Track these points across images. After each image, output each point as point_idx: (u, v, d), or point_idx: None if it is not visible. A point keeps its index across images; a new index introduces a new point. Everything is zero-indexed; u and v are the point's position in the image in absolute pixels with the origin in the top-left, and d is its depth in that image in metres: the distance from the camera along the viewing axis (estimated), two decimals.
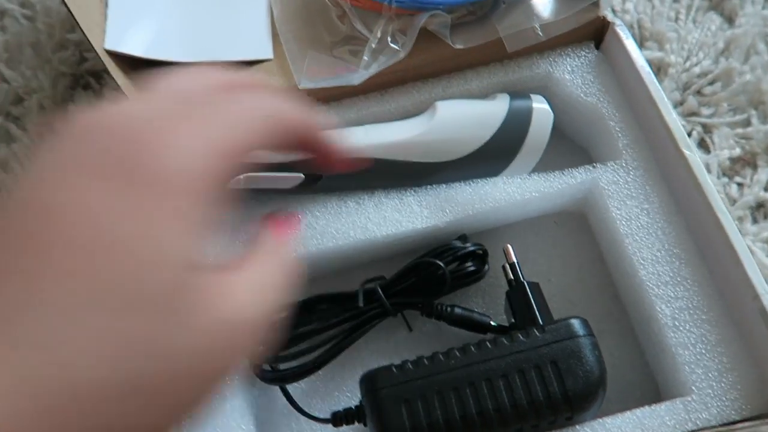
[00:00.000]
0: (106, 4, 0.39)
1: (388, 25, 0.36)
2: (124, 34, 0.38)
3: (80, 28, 0.36)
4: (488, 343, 0.30)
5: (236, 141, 0.19)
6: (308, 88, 0.36)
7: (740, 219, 0.39)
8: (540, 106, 0.36)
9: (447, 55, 0.37)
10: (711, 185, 0.32)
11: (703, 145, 0.42)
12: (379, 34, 0.36)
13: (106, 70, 0.36)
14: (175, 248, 0.17)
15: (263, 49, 0.39)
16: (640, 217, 0.33)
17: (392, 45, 0.36)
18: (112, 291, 0.16)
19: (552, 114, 0.36)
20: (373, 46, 0.36)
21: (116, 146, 0.17)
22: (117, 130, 0.18)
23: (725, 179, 0.40)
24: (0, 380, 0.15)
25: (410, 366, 0.30)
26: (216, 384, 0.18)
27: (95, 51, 0.36)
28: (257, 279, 0.19)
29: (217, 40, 0.40)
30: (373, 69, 0.35)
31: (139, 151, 0.17)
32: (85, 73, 0.50)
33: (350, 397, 0.34)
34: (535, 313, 0.31)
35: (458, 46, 0.36)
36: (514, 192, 0.34)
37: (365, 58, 0.36)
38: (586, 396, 0.28)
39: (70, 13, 0.35)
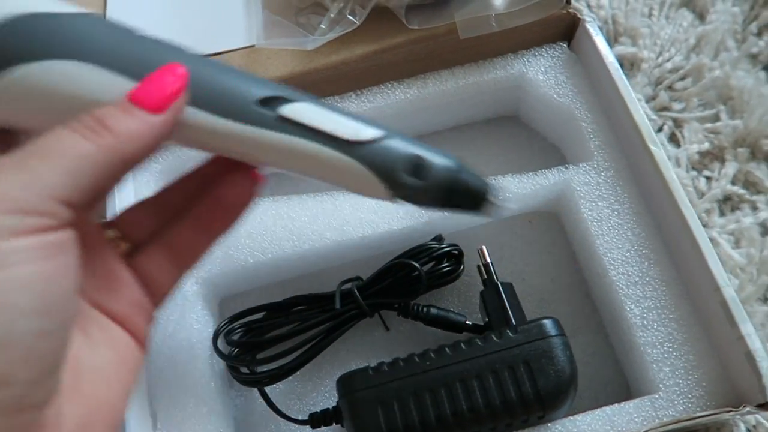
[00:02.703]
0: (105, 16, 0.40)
1: None
2: None
3: None
4: (462, 345, 0.30)
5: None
6: (263, 46, 0.37)
7: (708, 212, 0.40)
8: None
9: (420, 54, 0.37)
10: (676, 180, 0.33)
11: (673, 140, 0.43)
12: (340, 5, 0.36)
13: None
14: None
15: (258, 36, 0.39)
16: (610, 218, 0.33)
17: (349, 17, 0.36)
18: None
19: None
20: (332, 16, 0.37)
21: None
22: None
23: (694, 173, 0.41)
24: None
25: (386, 368, 0.30)
26: None
27: None
28: None
29: (210, 34, 0.40)
30: (328, 37, 0.36)
31: None
32: None
33: (328, 397, 0.35)
34: (508, 313, 0.31)
35: (413, 27, 0.37)
36: None
37: (322, 26, 0.37)
38: (558, 395, 0.29)
39: None
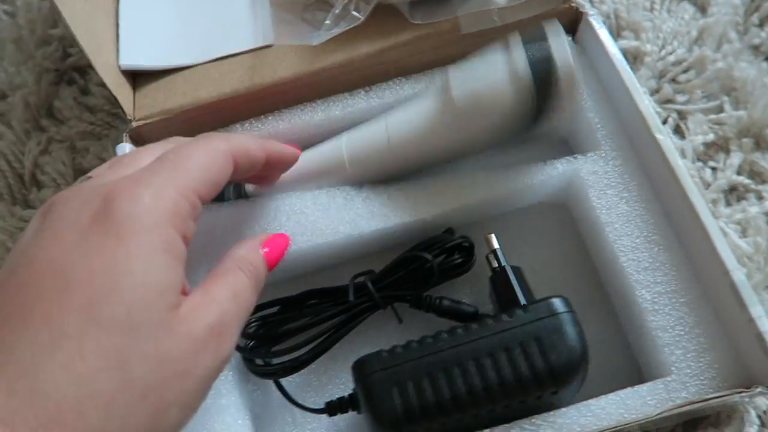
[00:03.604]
0: (117, 24, 0.41)
1: None
2: (136, 49, 0.40)
3: (84, 51, 0.36)
4: (474, 325, 0.30)
5: (189, 182, 0.24)
6: (270, 43, 0.39)
7: (714, 202, 0.40)
8: (556, 41, 0.32)
9: (426, 50, 0.38)
10: (681, 166, 0.33)
11: (678, 131, 0.43)
12: (345, 1, 0.37)
13: (90, 66, 0.37)
14: (145, 275, 0.22)
15: (265, 37, 0.40)
16: (619, 205, 0.34)
17: (353, 13, 0.37)
18: (99, 317, 0.20)
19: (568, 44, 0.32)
20: (337, 12, 0.37)
21: (89, 207, 0.22)
22: (89, 195, 0.23)
23: (699, 164, 0.42)
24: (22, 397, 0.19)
25: (400, 350, 0.30)
26: (204, 382, 0.23)
27: (94, 68, 0.37)
28: (214, 298, 0.24)
29: (220, 36, 0.41)
30: (333, 32, 0.37)
31: (107, 207, 0.22)
32: (69, 68, 0.49)
33: (343, 389, 0.35)
34: (517, 293, 0.32)
35: (416, 22, 0.37)
36: (498, 185, 0.35)
37: (327, 22, 0.37)
38: (570, 369, 0.29)
39: (75, 38, 0.36)
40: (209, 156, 0.26)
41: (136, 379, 0.20)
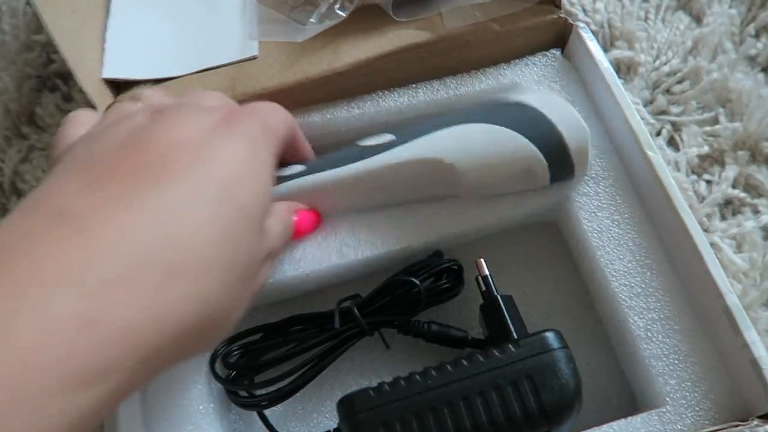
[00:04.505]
0: (104, 38, 0.40)
1: None
2: (121, 62, 0.39)
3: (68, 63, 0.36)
4: (464, 361, 0.29)
5: (285, 128, 0.31)
6: (258, 40, 0.39)
7: (709, 216, 0.39)
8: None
9: (412, 62, 0.37)
10: (675, 186, 0.32)
11: (672, 143, 0.42)
12: (330, 1, 0.37)
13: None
14: (266, 179, 0.26)
15: (249, 49, 0.39)
16: (611, 228, 0.33)
17: (337, 11, 0.37)
18: (231, 193, 0.24)
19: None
20: (322, 11, 0.37)
21: (212, 116, 0.26)
22: (204, 110, 0.26)
23: (694, 177, 0.41)
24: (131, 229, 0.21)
25: (387, 388, 0.29)
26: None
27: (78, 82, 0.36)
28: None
29: (206, 49, 0.40)
30: (317, 29, 0.37)
31: (230, 119, 0.26)
32: (52, 74, 0.48)
33: (329, 418, 0.34)
34: (508, 326, 0.31)
35: (401, 19, 0.37)
36: (487, 210, 0.34)
37: (312, 20, 0.38)
38: (563, 409, 0.28)
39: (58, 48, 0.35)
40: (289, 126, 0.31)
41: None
